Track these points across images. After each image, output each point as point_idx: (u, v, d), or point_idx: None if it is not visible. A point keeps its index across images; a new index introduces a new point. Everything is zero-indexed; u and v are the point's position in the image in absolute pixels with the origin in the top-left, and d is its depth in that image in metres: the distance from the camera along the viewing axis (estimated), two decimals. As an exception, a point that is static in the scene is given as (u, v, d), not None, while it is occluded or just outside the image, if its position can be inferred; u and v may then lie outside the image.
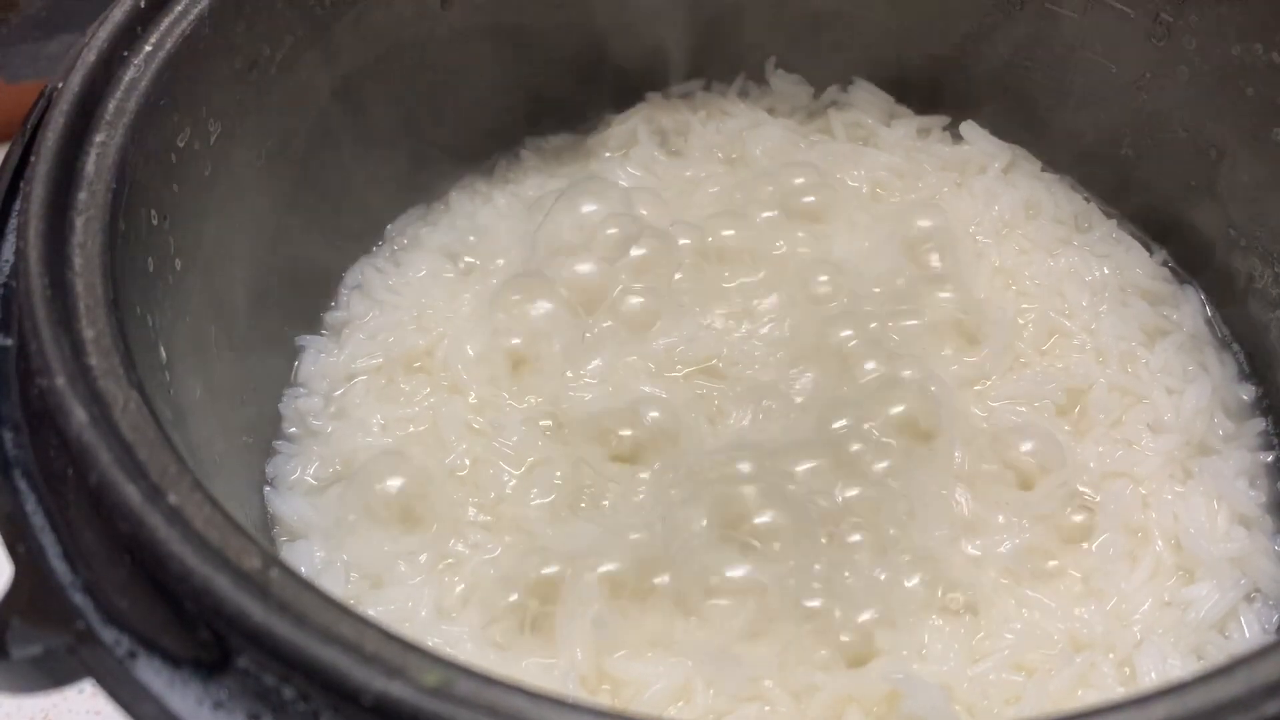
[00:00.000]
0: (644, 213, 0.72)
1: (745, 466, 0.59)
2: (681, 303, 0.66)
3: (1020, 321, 0.66)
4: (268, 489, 0.61)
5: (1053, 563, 0.56)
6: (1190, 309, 0.68)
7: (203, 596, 0.33)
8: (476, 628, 0.55)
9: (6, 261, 0.45)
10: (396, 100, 0.68)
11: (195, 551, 0.34)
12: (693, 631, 0.54)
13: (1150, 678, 0.52)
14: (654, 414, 0.61)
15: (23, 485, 0.38)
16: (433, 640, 0.54)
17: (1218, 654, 0.54)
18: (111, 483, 0.35)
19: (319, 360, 0.66)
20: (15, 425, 0.40)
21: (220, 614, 0.33)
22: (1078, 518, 0.58)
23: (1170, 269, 0.70)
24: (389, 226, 0.72)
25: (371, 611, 0.55)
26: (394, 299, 0.68)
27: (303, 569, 0.57)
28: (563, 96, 0.77)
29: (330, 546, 0.58)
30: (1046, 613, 0.54)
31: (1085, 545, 0.57)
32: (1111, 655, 0.53)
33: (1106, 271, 0.68)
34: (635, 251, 0.68)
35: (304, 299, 0.68)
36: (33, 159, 0.46)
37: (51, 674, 0.35)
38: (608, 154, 0.76)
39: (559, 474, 0.59)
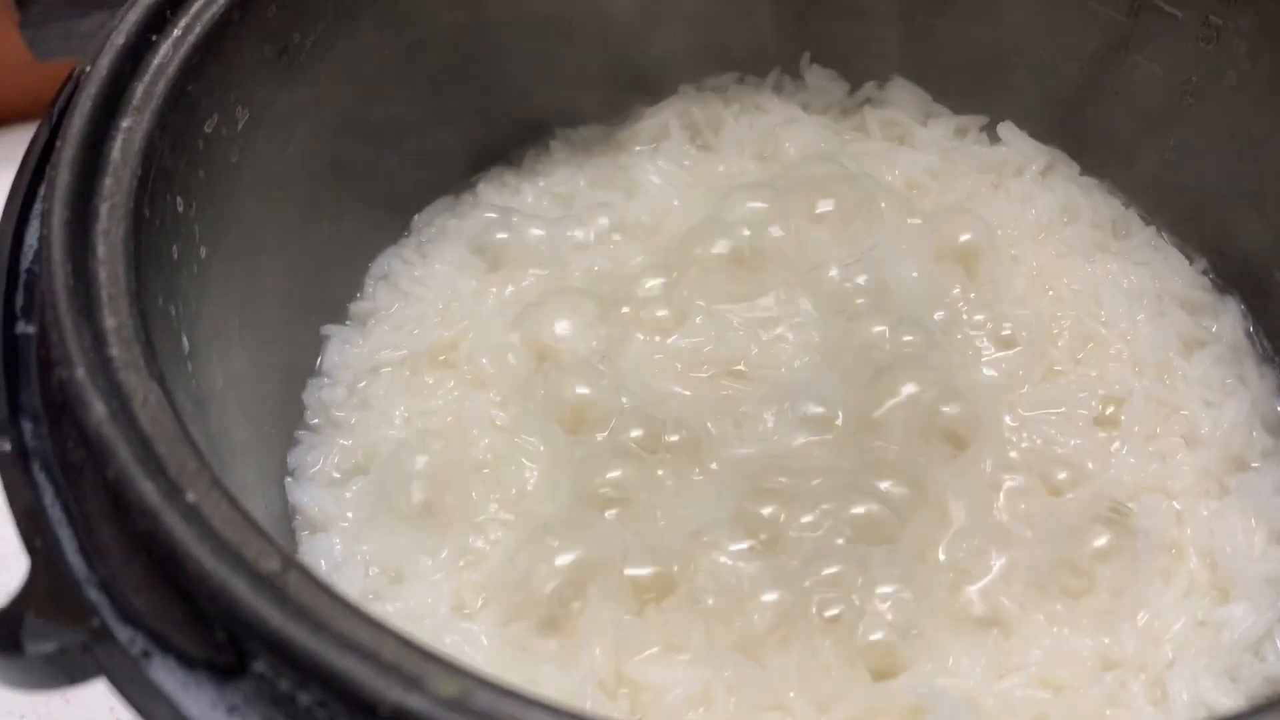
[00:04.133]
0: (676, 204, 0.71)
1: (770, 470, 0.58)
2: (710, 302, 0.65)
3: (1055, 329, 0.65)
4: (289, 479, 0.60)
5: (1083, 578, 0.55)
6: (1230, 320, 0.66)
7: (219, 599, 0.32)
8: (494, 626, 0.54)
9: (31, 247, 0.45)
10: (426, 89, 0.68)
11: (213, 552, 0.33)
12: (714, 637, 0.53)
13: (1182, 699, 0.51)
14: (679, 414, 0.60)
15: (41, 478, 0.38)
16: (450, 638, 0.53)
17: (1252, 677, 0.52)
18: (129, 479, 0.34)
19: (343, 350, 0.65)
20: (35, 415, 0.40)
21: (237, 618, 0.32)
22: (1110, 532, 0.56)
23: (1210, 279, 0.68)
24: (416, 217, 0.71)
25: (390, 607, 0.55)
26: (419, 290, 0.67)
27: (322, 562, 0.57)
28: (594, 87, 0.76)
29: (350, 539, 0.58)
30: (1076, 629, 0.53)
31: (1117, 561, 0.55)
32: (1142, 675, 0.52)
33: (1145, 279, 0.67)
34: (659, 251, 0.67)
35: (330, 288, 0.67)
36: (59, 143, 0.45)
37: (66, 670, 0.35)
38: (638, 147, 0.75)
39: (581, 473, 0.59)
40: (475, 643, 0.54)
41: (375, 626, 0.33)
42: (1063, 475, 0.58)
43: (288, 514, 0.59)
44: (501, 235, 0.69)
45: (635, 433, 0.59)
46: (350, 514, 0.59)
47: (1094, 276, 0.67)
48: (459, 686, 0.31)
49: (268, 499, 0.58)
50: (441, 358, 0.64)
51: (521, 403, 0.62)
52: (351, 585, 0.56)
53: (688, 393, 0.61)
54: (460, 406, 0.62)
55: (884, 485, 0.57)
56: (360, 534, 0.58)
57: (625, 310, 0.64)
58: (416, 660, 0.32)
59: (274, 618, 0.32)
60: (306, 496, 0.59)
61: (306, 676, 0.32)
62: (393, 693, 0.31)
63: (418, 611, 0.54)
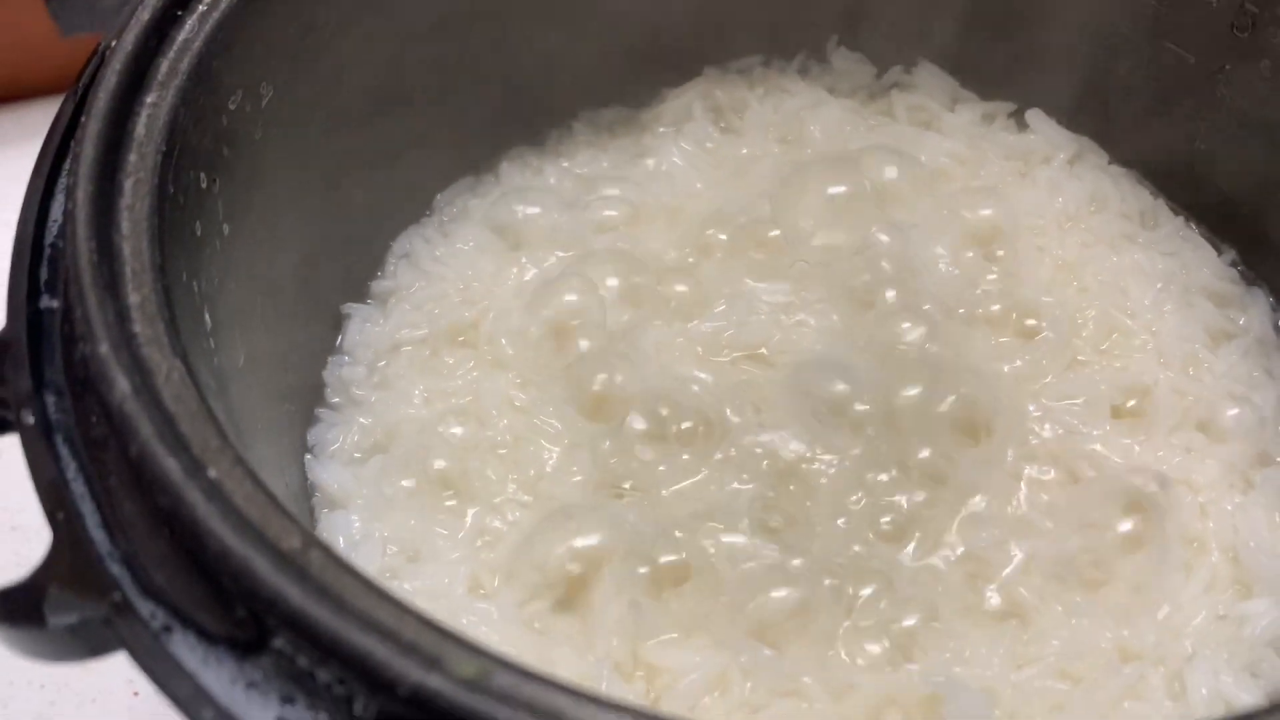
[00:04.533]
0: (699, 186, 0.70)
1: (790, 457, 0.58)
2: (732, 286, 0.64)
3: (1079, 319, 0.64)
4: (308, 456, 0.61)
5: (1104, 570, 0.54)
6: (1258, 312, 0.65)
7: (240, 577, 0.32)
8: (511, 606, 0.54)
9: (55, 221, 0.45)
10: (450, 68, 0.67)
11: (234, 530, 0.33)
12: (730, 622, 0.53)
13: (1201, 693, 0.51)
14: (699, 398, 0.60)
15: (64, 451, 0.38)
16: (466, 618, 0.53)
17: (1273, 673, 0.52)
18: (152, 456, 0.34)
19: (364, 329, 0.65)
20: (59, 389, 0.40)
21: (258, 596, 0.32)
22: (1132, 524, 0.56)
23: (1239, 270, 0.68)
24: (438, 196, 0.71)
25: (407, 586, 0.55)
26: (441, 270, 0.67)
27: (341, 539, 0.57)
28: (618, 68, 0.75)
29: (369, 517, 0.58)
30: (1095, 620, 0.53)
31: (1138, 553, 0.55)
32: (1161, 668, 0.51)
33: (1172, 270, 0.66)
34: (681, 233, 0.67)
35: (352, 266, 0.67)
36: (84, 119, 0.45)
37: (87, 643, 0.35)
38: (661, 129, 0.75)
39: (599, 455, 0.59)
40: (491, 623, 0.54)
41: (395, 605, 0.33)
42: (1085, 466, 0.58)
43: (307, 491, 0.59)
44: (523, 216, 0.69)
45: (654, 417, 0.59)
46: (369, 492, 0.59)
47: (1121, 267, 0.66)
48: (478, 667, 0.31)
49: (287, 476, 0.58)
50: (462, 338, 0.64)
51: (541, 384, 0.62)
52: (369, 563, 0.56)
53: (708, 377, 0.61)
54: (480, 387, 0.62)
55: (904, 474, 0.57)
56: (378, 512, 0.58)
57: (646, 293, 0.64)
58: (436, 640, 0.32)
59: (294, 596, 0.32)
60: (326, 474, 0.59)
61: (326, 654, 0.32)
62: (412, 673, 0.31)
63: (435, 591, 0.55)
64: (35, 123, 0.90)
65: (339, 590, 0.33)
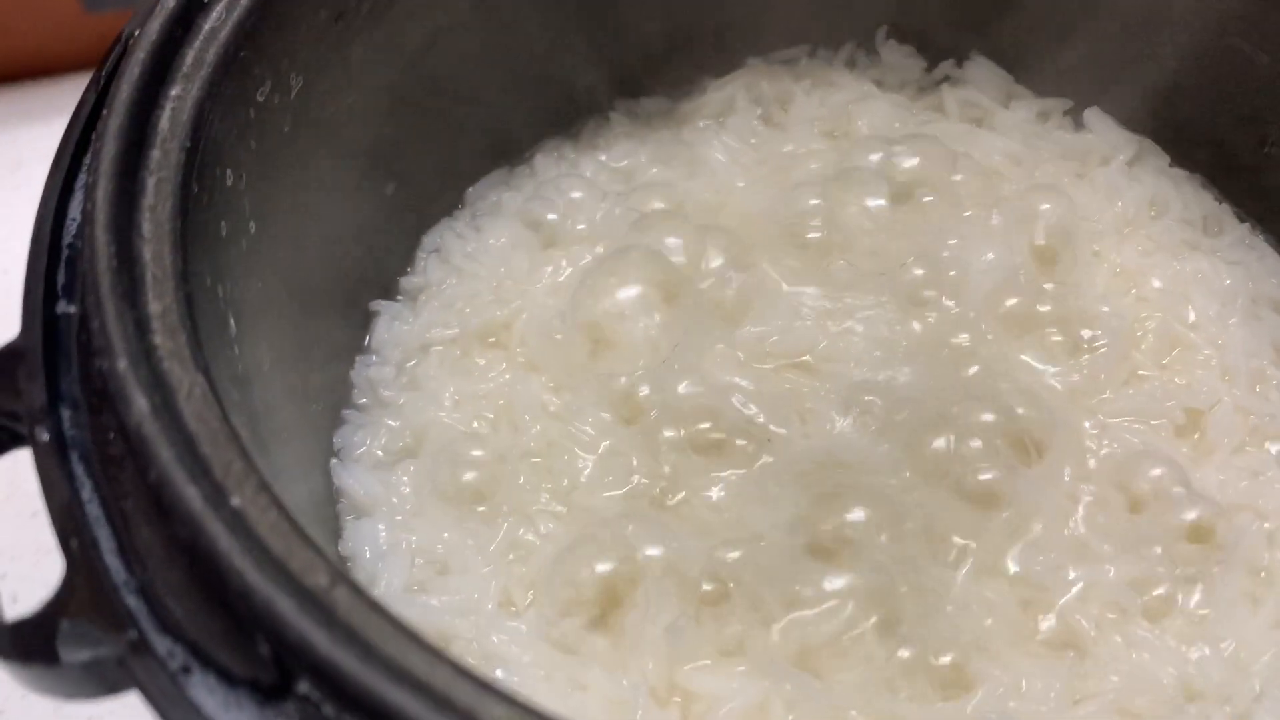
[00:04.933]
0: (741, 184, 0.68)
1: (836, 472, 0.56)
2: (775, 290, 0.62)
3: (1139, 330, 0.61)
4: (334, 461, 0.58)
5: (1166, 599, 0.52)
6: (1330, 327, 0.62)
7: (263, 618, 0.30)
8: (542, 624, 0.52)
9: (73, 220, 0.43)
10: (483, 58, 0.65)
11: (257, 566, 0.31)
12: (771, 646, 0.51)
13: (1269, 736, 0.48)
14: (740, 407, 0.57)
15: (79, 470, 0.36)
16: (497, 636, 0.51)
17: (1344, 715, 0.49)
18: (171, 484, 0.32)
19: (393, 328, 0.63)
20: (75, 402, 0.38)
21: (283, 641, 0.30)
22: (1195, 552, 0.53)
23: (1309, 283, 0.65)
24: (470, 189, 0.69)
25: (435, 601, 0.53)
26: (472, 267, 0.65)
27: (367, 550, 0.55)
28: (658, 58, 0.73)
29: (396, 527, 0.56)
30: (1157, 654, 0.50)
31: (1202, 583, 0.52)
32: (1228, 708, 0.49)
33: (1238, 280, 0.63)
34: (723, 233, 0.64)
35: (381, 262, 0.65)
36: (105, 111, 0.43)
37: (104, 680, 0.33)
38: (702, 122, 0.72)
39: (636, 465, 0.56)
40: (522, 641, 0.51)
41: (427, 652, 0.31)
42: (1145, 488, 0.55)
43: (332, 497, 0.57)
44: (557, 211, 0.67)
45: (693, 426, 0.57)
46: (396, 499, 0.57)
47: (1182, 275, 0.63)
48: (516, 726, 0.29)
49: (312, 482, 0.56)
50: (493, 339, 0.62)
51: (575, 389, 0.59)
52: (396, 575, 0.54)
53: (750, 385, 0.58)
54: (512, 390, 0.60)
55: (955, 493, 0.54)
56: (406, 521, 0.56)
57: (686, 295, 0.62)
58: (471, 693, 0.30)
59: (321, 642, 0.30)
60: (352, 479, 0.57)
61: (355, 706, 0.30)
62: (447, 732, 0.28)
63: (464, 607, 0.52)
64: (59, 99, 0.89)
65: (367, 634, 0.31)
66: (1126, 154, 0.68)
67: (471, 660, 0.51)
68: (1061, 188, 0.67)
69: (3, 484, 0.70)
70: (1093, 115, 0.70)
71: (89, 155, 0.43)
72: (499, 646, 0.51)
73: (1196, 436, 0.58)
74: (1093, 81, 0.70)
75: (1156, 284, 0.63)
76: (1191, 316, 0.62)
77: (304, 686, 0.31)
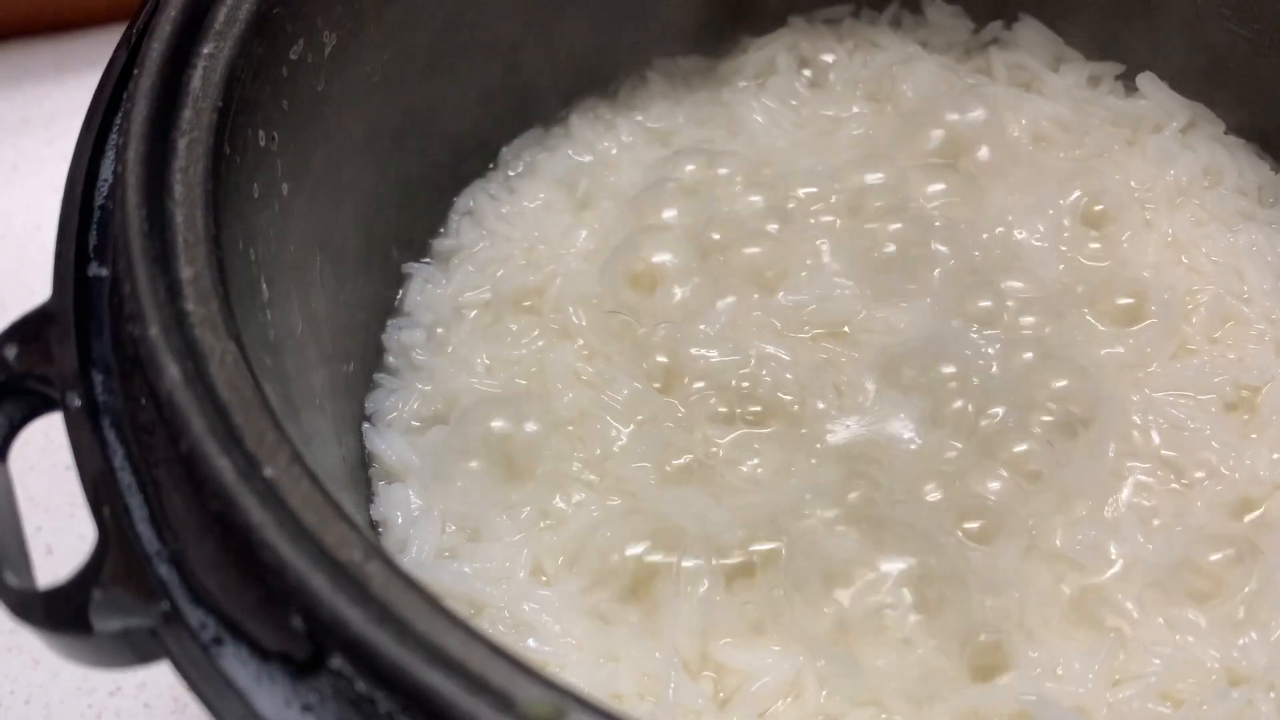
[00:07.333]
0: (781, 146, 0.66)
1: (873, 445, 0.55)
2: (815, 257, 0.60)
3: (1190, 303, 0.60)
4: (366, 425, 0.58)
5: (1211, 581, 0.51)
6: (1387, 303, 0.60)
7: (296, 595, 0.30)
8: (574, 594, 0.52)
9: (105, 181, 0.42)
10: (518, 15, 0.63)
11: (291, 541, 0.31)
12: (807, 621, 0.50)
13: (1315, 723, 0.47)
14: (777, 377, 0.56)
15: (111, 436, 0.36)
16: (528, 605, 0.51)
17: (1394, 703, 0.48)
18: (203, 454, 0.32)
19: (425, 290, 0.62)
20: (107, 367, 0.37)
21: (316, 617, 0.29)
22: (1243, 533, 0.52)
23: (1367, 255, 0.63)
24: (504, 149, 0.67)
25: (467, 568, 0.52)
26: (506, 229, 0.64)
27: (399, 515, 0.54)
28: (697, 14, 0.71)
29: (428, 493, 0.55)
30: (1201, 637, 0.49)
31: (1250, 565, 0.51)
32: (1273, 694, 0.48)
33: (1294, 254, 0.61)
34: (762, 198, 0.63)
35: (413, 223, 0.64)
36: (136, 70, 0.42)
37: (136, 650, 0.33)
38: (742, 83, 0.70)
39: (670, 434, 0.55)
40: (553, 611, 0.51)
41: (462, 630, 0.30)
42: (1191, 466, 0.54)
43: (364, 462, 0.57)
44: (593, 173, 0.65)
45: (729, 397, 0.56)
46: (427, 465, 0.56)
47: (1236, 247, 0.62)
48: (552, 708, 0.28)
49: (344, 447, 0.56)
50: (527, 303, 0.61)
51: (609, 356, 0.58)
52: (427, 541, 0.53)
53: (787, 355, 0.57)
54: (544, 357, 0.59)
55: (996, 467, 0.53)
56: (438, 487, 0.55)
57: (722, 260, 0.60)
58: (506, 673, 0.29)
59: (355, 619, 0.29)
60: (384, 444, 0.57)
61: (388, 684, 0.29)
62: (483, 714, 0.28)
63: (496, 575, 0.52)
64: (90, 51, 0.88)
65: (401, 611, 0.30)
66: (1180, 121, 0.66)
67: (503, 629, 0.50)
68: (1112, 155, 0.65)
69: (37, 435, 0.69)
70: (1145, 80, 0.68)
71: (120, 115, 0.42)
72: (530, 615, 0.51)
73: (1247, 413, 0.56)
74: (1145, 45, 0.68)
75: (1209, 255, 0.61)
76: (1245, 289, 0.60)
77: (337, 661, 0.31)
